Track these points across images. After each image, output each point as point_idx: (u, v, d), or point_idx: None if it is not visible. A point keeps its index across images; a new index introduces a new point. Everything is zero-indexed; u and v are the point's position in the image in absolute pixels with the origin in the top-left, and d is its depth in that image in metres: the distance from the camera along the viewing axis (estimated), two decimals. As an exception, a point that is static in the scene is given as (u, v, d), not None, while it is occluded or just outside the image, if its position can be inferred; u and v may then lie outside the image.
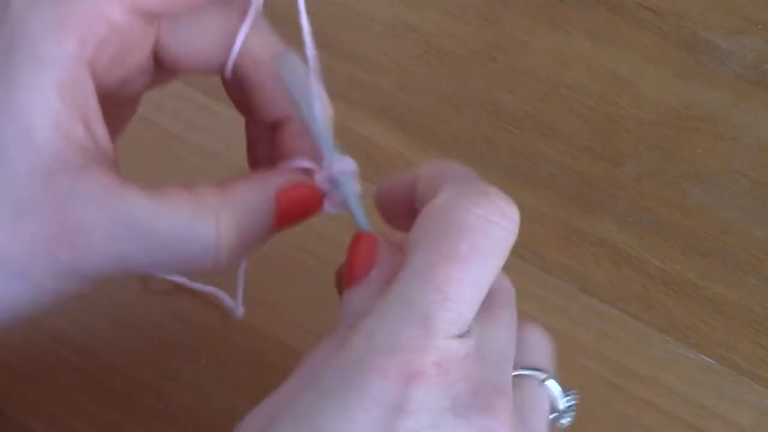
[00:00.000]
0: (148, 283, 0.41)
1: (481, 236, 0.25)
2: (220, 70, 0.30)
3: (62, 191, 0.25)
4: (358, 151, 0.45)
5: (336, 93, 0.47)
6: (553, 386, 0.28)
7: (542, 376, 0.28)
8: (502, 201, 0.25)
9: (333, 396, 0.23)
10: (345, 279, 0.28)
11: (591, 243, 0.44)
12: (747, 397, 0.40)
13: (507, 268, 0.28)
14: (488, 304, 0.26)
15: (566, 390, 0.28)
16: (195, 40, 0.30)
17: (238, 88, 0.31)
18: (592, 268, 0.43)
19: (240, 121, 0.33)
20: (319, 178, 0.29)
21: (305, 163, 0.29)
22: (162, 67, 0.30)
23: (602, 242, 0.44)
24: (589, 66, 0.49)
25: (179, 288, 0.40)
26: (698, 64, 0.50)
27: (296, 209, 0.28)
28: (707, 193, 0.46)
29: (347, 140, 0.46)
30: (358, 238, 0.28)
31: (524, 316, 0.28)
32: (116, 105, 0.30)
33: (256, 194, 0.28)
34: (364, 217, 0.29)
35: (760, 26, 0.51)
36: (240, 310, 0.40)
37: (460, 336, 0.24)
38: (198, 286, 0.40)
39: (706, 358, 0.41)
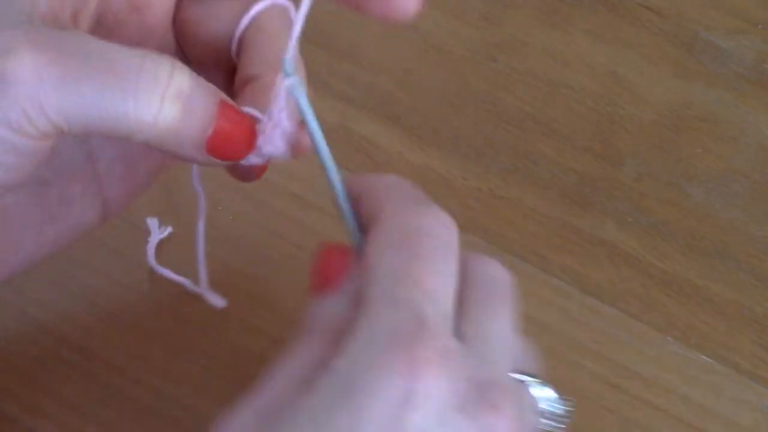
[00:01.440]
0: (149, 283, 0.41)
1: (432, 238, 0.26)
2: (225, 41, 0.32)
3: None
4: (358, 150, 0.45)
5: (336, 93, 0.48)
6: (549, 393, 0.28)
7: (537, 381, 0.27)
8: (439, 210, 0.27)
9: (341, 399, 0.23)
10: (311, 287, 0.28)
11: (591, 243, 0.44)
12: (747, 397, 0.40)
13: (507, 268, 0.28)
14: (485, 300, 0.27)
15: (563, 398, 0.28)
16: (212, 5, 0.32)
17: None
18: (592, 268, 0.43)
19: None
20: (264, 122, 0.29)
21: (254, 112, 0.29)
22: (177, 31, 0.32)
23: (602, 242, 0.44)
24: (589, 66, 0.49)
25: (179, 288, 0.40)
26: (698, 64, 0.50)
27: (232, 120, 0.28)
28: (707, 193, 0.46)
29: (347, 140, 0.46)
30: (331, 250, 0.28)
31: (524, 317, 0.28)
32: None
33: (209, 85, 0.28)
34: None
35: (760, 26, 0.51)
36: (218, 301, 0.39)
37: (452, 335, 0.25)
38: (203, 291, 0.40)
39: (706, 358, 0.41)
